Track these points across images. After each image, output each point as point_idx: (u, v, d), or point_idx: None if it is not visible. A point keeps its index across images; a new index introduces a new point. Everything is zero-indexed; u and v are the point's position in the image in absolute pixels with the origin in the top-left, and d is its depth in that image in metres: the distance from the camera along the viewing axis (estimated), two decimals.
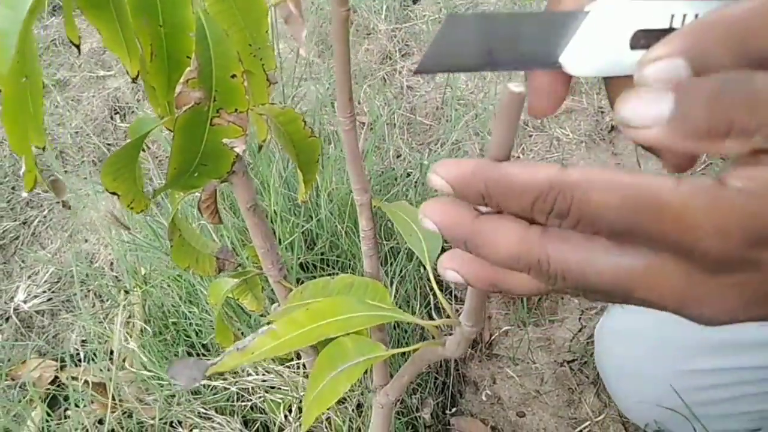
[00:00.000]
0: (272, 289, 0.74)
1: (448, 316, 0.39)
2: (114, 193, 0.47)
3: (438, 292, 0.41)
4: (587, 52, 0.21)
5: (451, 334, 0.40)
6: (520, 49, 0.21)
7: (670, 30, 0.20)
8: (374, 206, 0.53)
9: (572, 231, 0.20)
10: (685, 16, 0.21)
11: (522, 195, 0.20)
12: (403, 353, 0.80)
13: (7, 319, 1.09)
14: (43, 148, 0.34)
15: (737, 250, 0.19)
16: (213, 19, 0.40)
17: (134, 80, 0.47)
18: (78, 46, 0.44)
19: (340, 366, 0.38)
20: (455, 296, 0.95)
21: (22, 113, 0.35)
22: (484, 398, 0.85)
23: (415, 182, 1.03)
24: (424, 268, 0.95)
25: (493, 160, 0.22)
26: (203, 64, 0.40)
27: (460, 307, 0.87)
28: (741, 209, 0.18)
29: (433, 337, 0.42)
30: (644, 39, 0.21)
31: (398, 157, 1.18)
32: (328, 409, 0.73)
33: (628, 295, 0.21)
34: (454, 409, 0.84)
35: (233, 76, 0.42)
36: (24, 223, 1.26)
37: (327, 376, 0.38)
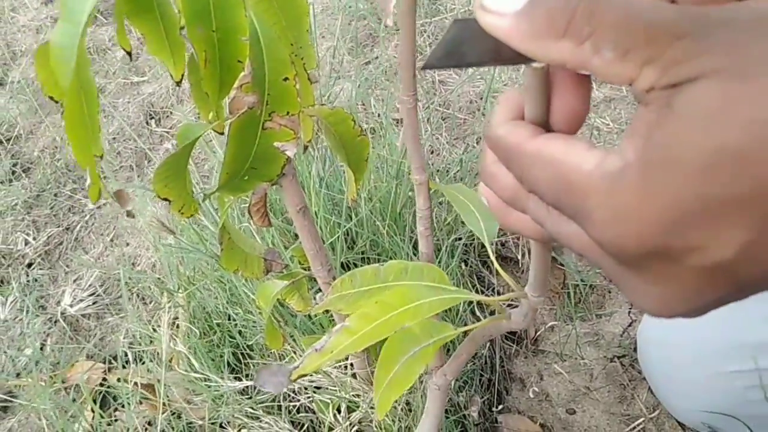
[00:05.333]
0: (317, 289, 0.74)
1: (507, 293, 0.39)
2: (165, 199, 0.48)
3: (498, 266, 0.40)
4: None
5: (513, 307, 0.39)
6: None
7: None
8: (431, 189, 0.53)
9: None
10: None
11: (497, 150, 0.23)
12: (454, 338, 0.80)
13: (55, 323, 1.11)
14: (101, 156, 0.34)
15: (638, 241, 0.18)
16: (265, 23, 0.40)
17: (178, 84, 0.47)
18: (129, 53, 0.44)
19: (412, 349, 0.38)
20: (498, 292, 0.94)
21: (84, 125, 0.36)
22: (531, 395, 0.84)
23: (454, 177, 1.02)
24: (466, 264, 0.94)
25: None
26: (256, 68, 0.40)
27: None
28: (638, 197, 0.17)
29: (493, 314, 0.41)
30: None
31: (432, 152, 1.17)
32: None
33: (588, 261, 0.23)
34: (501, 407, 0.83)
35: (285, 79, 0.41)
36: (67, 229, 1.29)
37: (399, 360, 0.37)
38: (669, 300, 0.19)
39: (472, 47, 0.21)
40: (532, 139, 0.21)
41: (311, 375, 0.76)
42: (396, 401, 0.74)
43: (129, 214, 0.40)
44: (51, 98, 0.41)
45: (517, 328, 0.39)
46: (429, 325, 0.37)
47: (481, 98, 1.27)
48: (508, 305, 0.41)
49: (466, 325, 0.85)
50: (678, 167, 0.16)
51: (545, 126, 0.23)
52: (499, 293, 0.94)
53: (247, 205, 0.54)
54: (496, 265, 0.38)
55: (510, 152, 0.22)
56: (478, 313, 0.89)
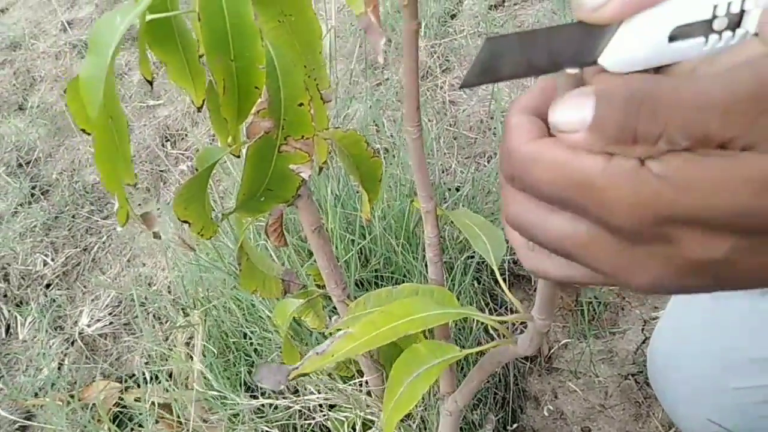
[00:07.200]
0: (333, 307, 0.74)
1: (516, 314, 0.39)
2: (185, 221, 0.49)
3: (505, 288, 0.41)
4: (626, 51, 0.22)
5: (521, 332, 0.40)
6: (558, 52, 0.22)
7: (713, 20, 0.21)
8: (438, 214, 0.54)
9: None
10: (729, 4, 0.21)
11: (500, 146, 0.24)
12: (468, 359, 0.80)
13: (72, 343, 1.13)
14: (135, 185, 0.35)
15: (649, 225, 0.21)
16: (281, 50, 0.41)
17: (199, 109, 0.49)
18: (151, 82, 0.46)
19: (416, 371, 0.39)
20: (511, 309, 0.94)
21: (112, 153, 0.37)
22: (546, 413, 0.84)
23: (466, 196, 1.03)
24: (479, 282, 0.95)
25: None
26: (273, 94, 0.41)
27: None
28: (654, 191, 0.20)
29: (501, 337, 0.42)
30: (686, 29, 0.21)
31: (444, 171, 1.18)
32: None
33: (573, 257, 0.23)
34: (515, 425, 0.83)
35: (300, 104, 0.43)
36: (84, 250, 1.31)
37: (404, 381, 0.38)
38: (660, 275, 0.22)
39: (505, 61, 0.22)
40: (526, 143, 0.22)
41: (326, 393, 0.77)
42: (412, 419, 0.74)
43: (155, 235, 0.41)
44: (83, 131, 0.42)
45: (524, 354, 0.39)
46: (435, 346, 0.38)
47: (492, 118, 1.29)
48: (519, 328, 0.41)
49: (480, 345, 0.85)
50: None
51: None
52: (511, 311, 0.94)
53: (264, 224, 0.55)
54: (503, 286, 0.39)
55: (507, 151, 0.23)
56: (492, 333, 0.89)
